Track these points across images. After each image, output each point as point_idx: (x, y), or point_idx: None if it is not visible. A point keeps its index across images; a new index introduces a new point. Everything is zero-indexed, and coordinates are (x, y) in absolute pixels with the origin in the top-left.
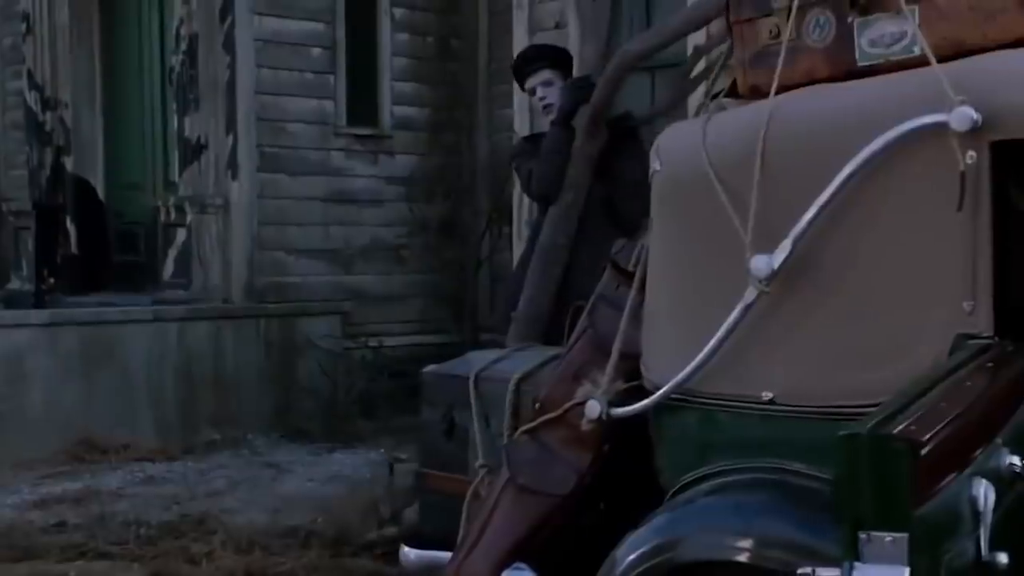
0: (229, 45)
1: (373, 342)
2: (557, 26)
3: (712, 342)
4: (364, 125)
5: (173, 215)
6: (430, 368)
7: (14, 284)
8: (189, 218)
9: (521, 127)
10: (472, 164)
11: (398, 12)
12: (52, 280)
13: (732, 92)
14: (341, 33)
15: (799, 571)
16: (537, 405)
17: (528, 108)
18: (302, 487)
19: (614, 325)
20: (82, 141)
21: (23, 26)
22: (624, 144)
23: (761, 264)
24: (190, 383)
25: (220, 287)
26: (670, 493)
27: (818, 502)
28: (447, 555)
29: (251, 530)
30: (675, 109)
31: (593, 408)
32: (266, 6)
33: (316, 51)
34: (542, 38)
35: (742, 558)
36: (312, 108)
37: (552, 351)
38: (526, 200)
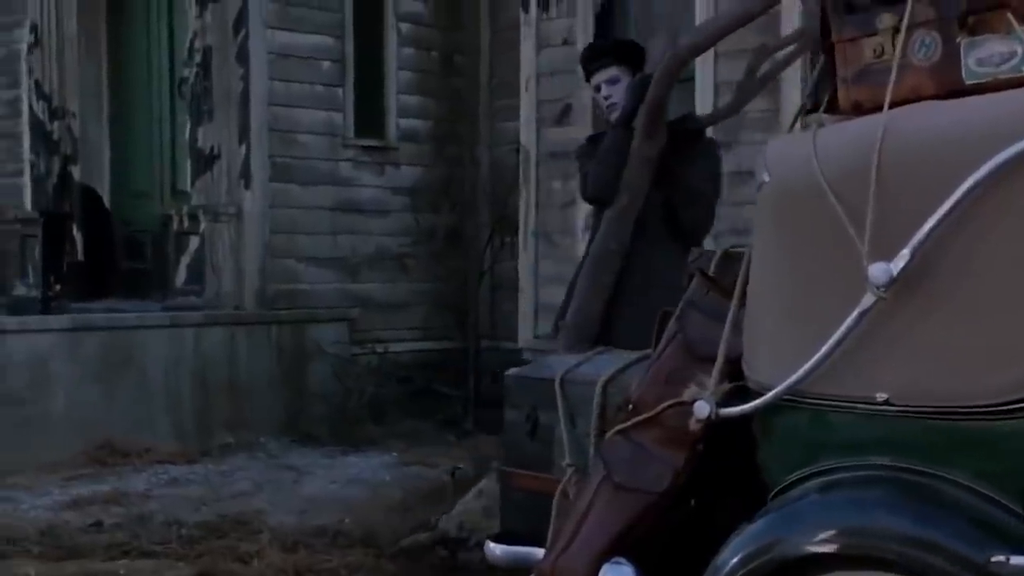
0: (243, 58)
1: (379, 348)
2: (565, 42)
3: (827, 345)
4: (371, 137)
5: (186, 223)
6: (513, 371)
7: (20, 290)
8: (202, 226)
9: (528, 139)
10: (475, 176)
11: (404, 27)
12: (58, 287)
13: (830, 107)
14: (350, 47)
15: (992, 559)
16: (630, 406)
17: (535, 120)
18: (324, 489)
19: (704, 330)
20: (89, 150)
21: (31, 37)
22: (686, 148)
23: (880, 272)
24: (205, 388)
25: (232, 294)
26: (775, 490)
27: (935, 498)
28: (532, 550)
29: (293, 530)
30: (739, 111)
31: (702, 409)
32: (278, 20)
33: (326, 64)
34: (549, 54)
35: (860, 552)
36: (322, 120)
37: (633, 355)
38: (532, 211)
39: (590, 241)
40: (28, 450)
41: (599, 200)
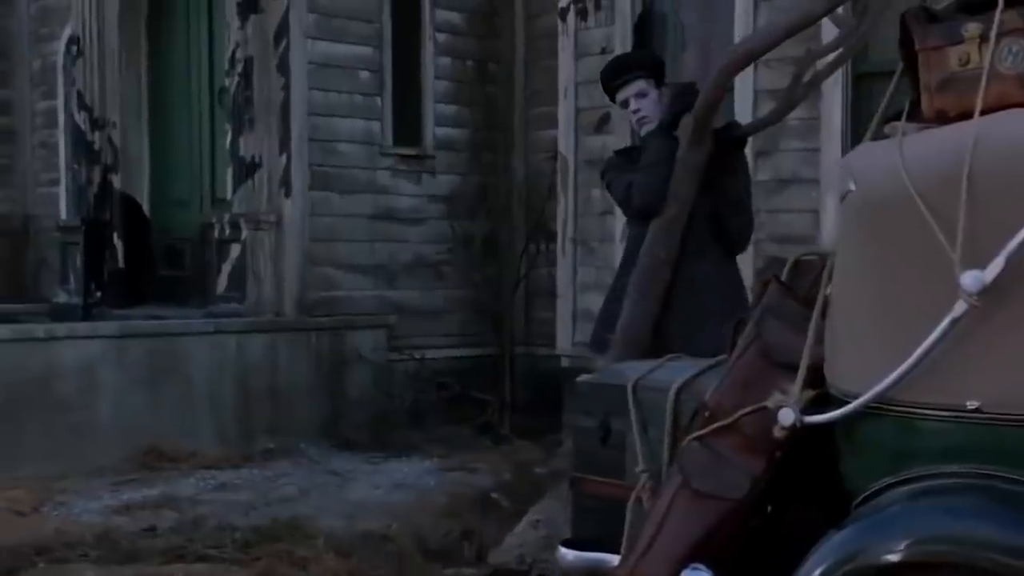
0: (283, 68)
1: (416, 355)
2: (603, 51)
3: (916, 353)
4: (408, 145)
5: (227, 231)
6: (584, 377)
7: (61, 298)
8: (244, 234)
9: (566, 147)
10: (509, 184)
11: (441, 37)
12: (99, 294)
13: (911, 116)
14: (388, 57)
15: None
16: (707, 413)
17: (573, 128)
18: (370, 494)
19: (782, 336)
20: (129, 159)
21: (73, 49)
22: (728, 157)
23: (972, 279)
24: (247, 393)
25: (272, 301)
26: (859, 498)
27: None
28: (606, 556)
29: (342, 534)
30: (784, 118)
31: (787, 416)
32: (318, 30)
33: (364, 74)
34: (587, 63)
35: (952, 559)
36: (360, 129)
37: (705, 362)
38: (570, 218)
39: (629, 252)
40: (77, 455)
41: (647, 211)
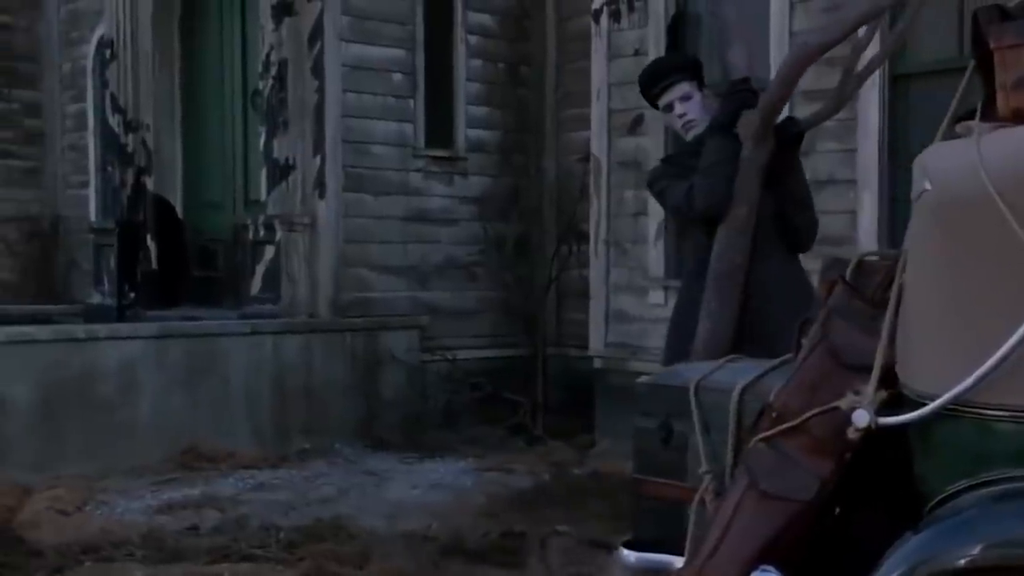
0: (318, 70)
1: (449, 355)
2: (636, 53)
3: (998, 354)
4: (440, 147)
5: (262, 233)
6: (645, 378)
7: (95, 299)
8: (278, 236)
9: (599, 149)
10: (541, 185)
11: (473, 39)
12: (133, 295)
13: (985, 115)
14: (421, 59)
15: None
16: (774, 414)
17: (606, 130)
18: (408, 494)
19: (850, 337)
20: (162, 162)
21: (106, 52)
22: (789, 154)
23: None
24: (283, 394)
25: (307, 302)
26: (934, 501)
27: None
28: (668, 558)
29: (384, 535)
30: (838, 112)
31: (861, 418)
32: (352, 33)
33: (397, 76)
34: (620, 65)
35: None
36: (393, 131)
37: (768, 363)
38: (603, 219)
39: (698, 261)
40: (117, 455)
41: (712, 213)
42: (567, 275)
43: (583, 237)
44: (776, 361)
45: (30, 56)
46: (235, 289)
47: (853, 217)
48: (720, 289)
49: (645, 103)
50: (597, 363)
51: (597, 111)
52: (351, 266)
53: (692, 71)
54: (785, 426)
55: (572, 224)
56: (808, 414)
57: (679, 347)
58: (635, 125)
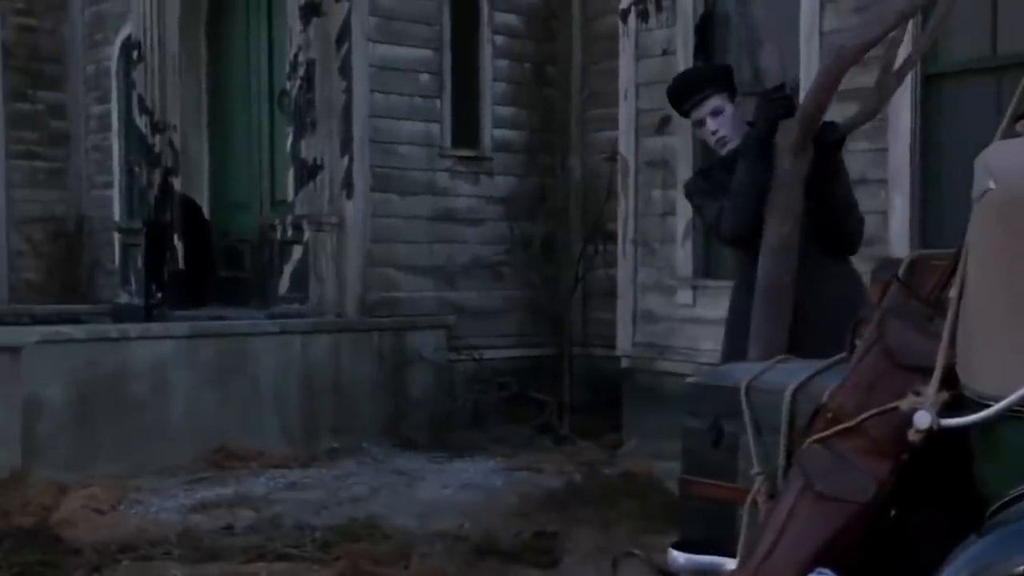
0: (345, 70)
1: (475, 355)
2: (664, 53)
3: None
4: (467, 147)
5: (289, 233)
6: (694, 379)
7: (122, 298)
8: (306, 235)
9: (626, 148)
10: (567, 185)
11: (499, 39)
12: (160, 295)
13: None
14: (447, 59)
15: None
16: (829, 415)
17: (634, 130)
18: (439, 494)
19: (906, 337)
20: (189, 162)
21: (134, 54)
22: (832, 159)
23: None
24: (311, 393)
25: (334, 302)
26: (996, 504)
27: None
28: (719, 560)
29: (417, 535)
30: (879, 111)
31: (923, 419)
32: (379, 33)
33: (424, 76)
34: (648, 65)
35: None
36: (420, 131)
37: (817, 364)
38: (630, 219)
39: (742, 282)
40: (149, 454)
41: (737, 239)
42: (592, 275)
43: (609, 237)
44: (827, 362)
45: (55, 58)
46: (262, 289)
47: (884, 217)
48: (768, 309)
49: (683, 117)
50: (624, 363)
51: (625, 111)
52: (378, 266)
53: (724, 82)
54: (841, 427)
55: (598, 224)
56: (865, 415)
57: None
58: (663, 125)
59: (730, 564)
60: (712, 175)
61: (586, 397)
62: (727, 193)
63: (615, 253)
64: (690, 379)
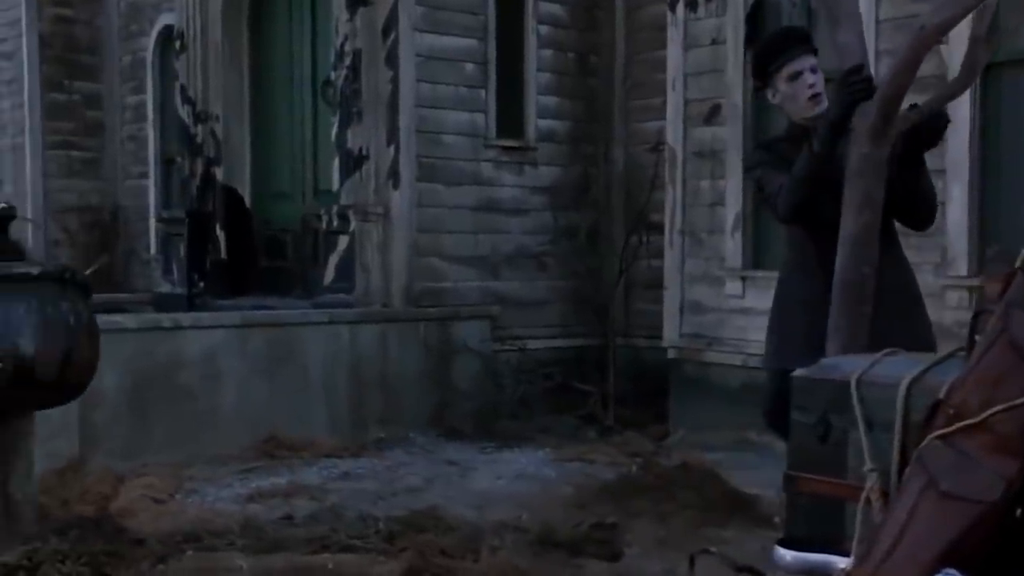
0: (392, 60)
1: (519, 345)
2: (713, 42)
3: None
4: (511, 137)
5: (335, 223)
6: (800, 372)
7: (164, 287)
8: (352, 225)
9: (674, 138)
10: (610, 175)
11: (543, 29)
12: (202, 284)
13: None
14: (492, 49)
15: None
16: (951, 411)
17: (682, 119)
18: (493, 484)
19: None
20: (231, 152)
21: (177, 44)
22: (908, 143)
23: None
24: (359, 383)
25: (380, 292)
26: None
27: None
28: (829, 558)
29: (481, 527)
30: (970, 85)
31: None
32: (425, 23)
33: (469, 66)
34: (697, 55)
35: None
36: (465, 121)
37: (930, 357)
38: (678, 209)
39: (797, 264)
40: (201, 443)
41: (789, 222)
42: (636, 265)
43: (652, 227)
44: (941, 356)
45: (91, 49)
46: (304, 279)
47: (943, 208)
48: (849, 303)
49: (721, 93)
50: (671, 353)
51: (673, 100)
52: (423, 256)
53: (815, 48)
54: (965, 423)
55: (641, 214)
56: (991, 411)
57: (784, 346)
58: (712, 115)
59: (840, 562)
60: (776, 147)
61: (628, 387)
62: (790, 167)
63: (659, 244)
64: (797, 372)
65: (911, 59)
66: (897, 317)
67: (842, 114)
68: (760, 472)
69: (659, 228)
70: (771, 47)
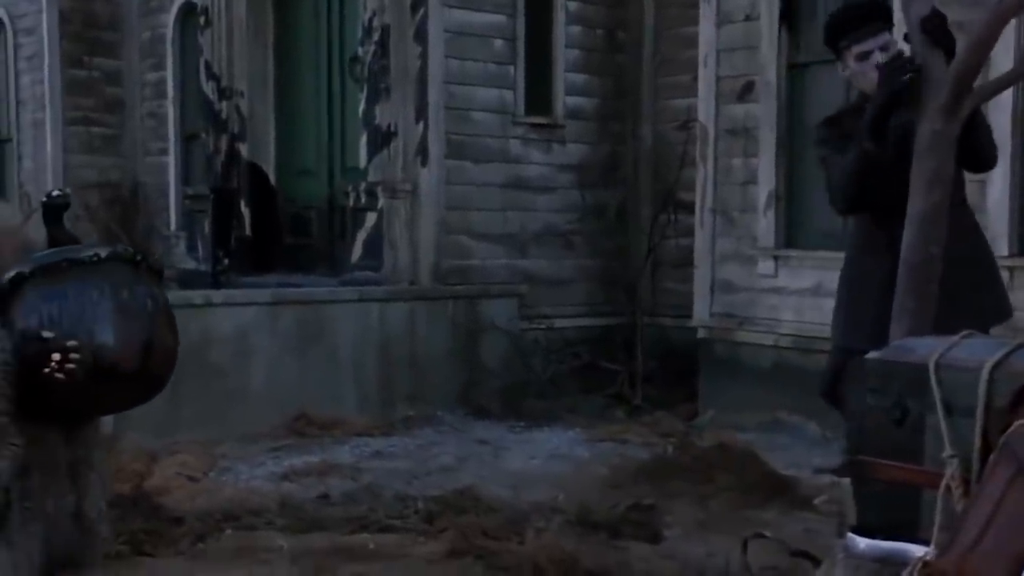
0: (421, 36)
1: (547, 324)
2: (747, 18)
3: None
4: (539, 114)
5: (363, 200)
6: (874, 354)
7: (189, 264)
8: (380, 203)
9: (706, 116)
10: (638, 153)
11: (572, 5)
12: (226, 261)
13: None
14: (521, 25)
15: None
16: None
17: (714, 96)
18: (527, 464)
19: None
20: (256, 129)
21: (201, 19)
22: (977, 116)
23: None
24: (388, 361)
25: (408, 269)
26: None
27: None
28: (905, 546)
29: (521, 507)
30: None
31: None
32: None
33: (498, 43)
34: (730, 31)
35: None
36: (494, 97)
37: (1011, 341)
38: (709, 188)
39: (864, 243)
40: (232, 420)
41: (853, 212)
42: (663, 244)
43: (681, 205)
44: (1020, 340)
45: (111, 25)
46: (329, 256)
47: (982, 187)
48: (916, 284)
49: (754, 70)
50: (701, 333)
51: (705, 77)
52: (452, 233)
53: (890, 21)
54: None
55: (670, 192)
56: None
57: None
58: (745, 92)
59: (916, 551)
60: (842, 122)
61: (655, 367)
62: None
63: (687, 222)
64: (870, 354)
65: (987, 36)
66: (970, 290)
67: (885, 103)
68: (791, 452)
69: (687, 206)
70: (843, 23)
